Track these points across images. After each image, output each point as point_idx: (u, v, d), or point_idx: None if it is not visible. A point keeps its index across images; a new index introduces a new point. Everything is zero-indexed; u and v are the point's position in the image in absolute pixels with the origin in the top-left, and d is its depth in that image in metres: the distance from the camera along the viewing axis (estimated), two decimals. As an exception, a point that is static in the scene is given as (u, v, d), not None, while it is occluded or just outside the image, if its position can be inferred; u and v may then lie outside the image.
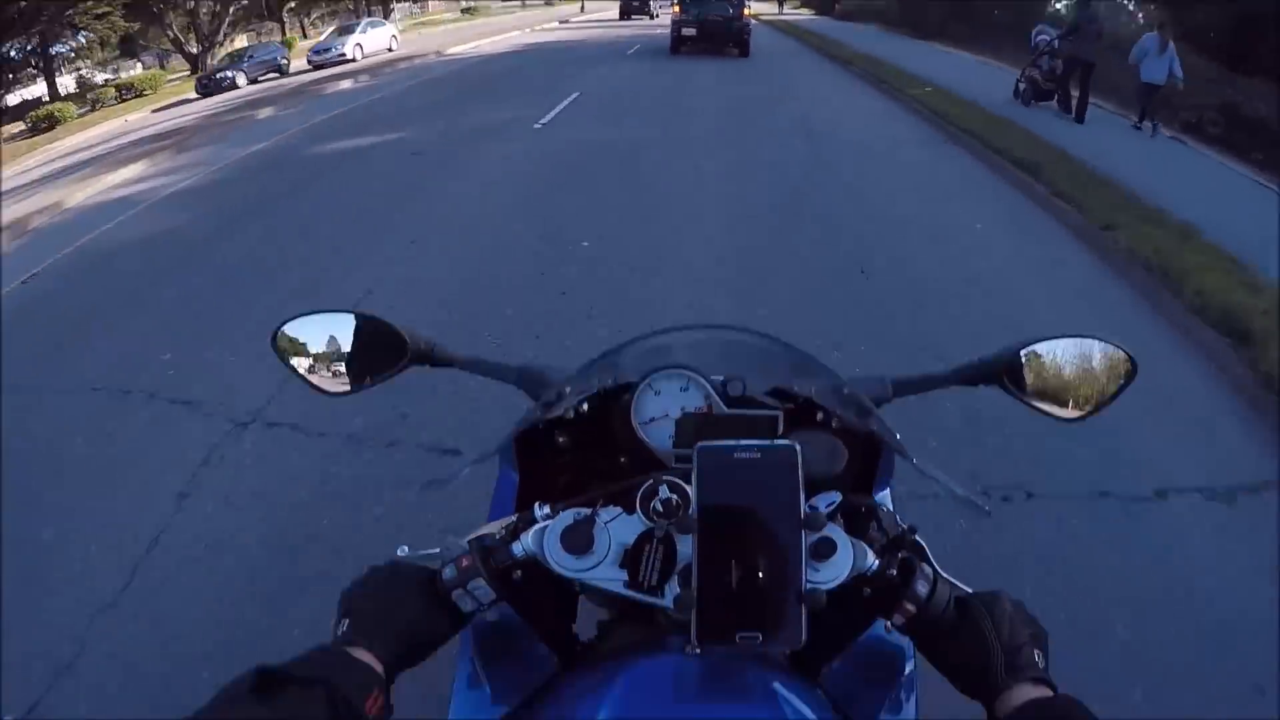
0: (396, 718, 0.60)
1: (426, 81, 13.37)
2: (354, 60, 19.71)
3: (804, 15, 30.82)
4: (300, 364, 0.90)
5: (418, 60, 17.38)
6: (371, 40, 21.24)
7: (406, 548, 0.71)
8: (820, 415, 0.82)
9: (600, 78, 12.04)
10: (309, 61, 20.12)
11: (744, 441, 0.65)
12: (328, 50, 20.17)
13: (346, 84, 14.58)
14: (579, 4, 39.22)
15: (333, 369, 0.91)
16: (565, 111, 9.24)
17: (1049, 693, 0.61)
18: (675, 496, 0.65)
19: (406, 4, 50.67)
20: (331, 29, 24.96)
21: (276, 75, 19.90)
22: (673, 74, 12.36)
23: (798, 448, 0.64)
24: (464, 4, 53.85)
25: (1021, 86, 9.38)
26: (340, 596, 0.67)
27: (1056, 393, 0.87)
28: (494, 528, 0.73)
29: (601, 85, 11.24)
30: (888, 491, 0.93)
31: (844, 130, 7.83)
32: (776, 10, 33.30)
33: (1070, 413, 0.87)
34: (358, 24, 22.52)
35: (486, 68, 14.65)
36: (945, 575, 0.68)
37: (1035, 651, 0.63)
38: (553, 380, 0.91)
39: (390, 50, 21.30)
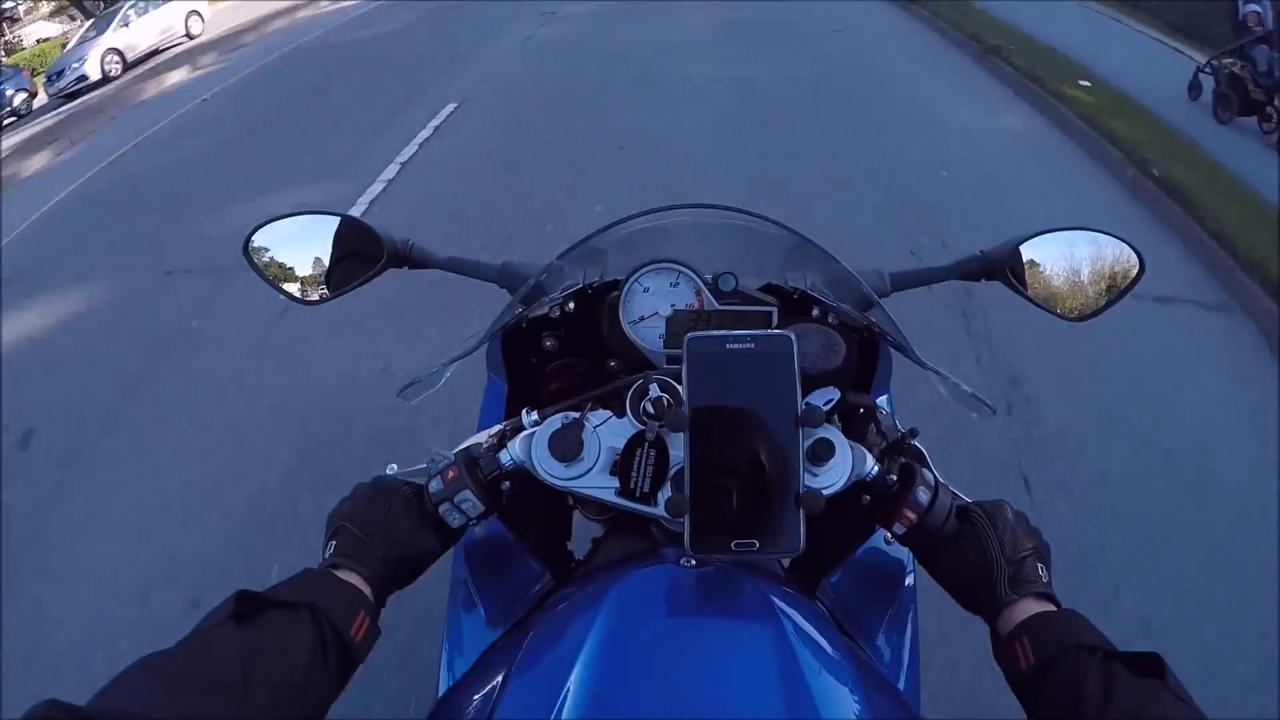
0: (386, 638, 0.58)
1: (205, 120, 7.35)
2: (112, 77, 12.20)
3: None
4: (273, 268, 0.88)
5: (228, 52, 11.16)
6: (146, 32, 13.22)
7: (395, 466, 0.69)
8: (816, 310, 0.80)
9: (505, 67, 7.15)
10: (47, 93, 12.80)
11: (737, 332, 0.62)
12: (61, 74, 12.52)
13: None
14: None
15: (307, 274, 0.88)
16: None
17: (1052, 608, 0.60)
18: (666, 396, 0.63)
19: None
20: (83, 27, 14.90)
21: (13, 118, 12.41)
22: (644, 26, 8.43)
23: (793, 338, 0.61)
24: None
25: (1212, 85, 5.53)
26: (327, 518, 0.65)
27: (1059, 288, 0.84)
28: (482, 437, 0.71)
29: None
30: (887, 395, 0.91)
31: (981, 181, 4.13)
32: None
33: (1073, 309, 0.85)
34: (116, 10, 13.36)
35: (325, 56, 9.06)
36: (946, 483, 0.66)
37: (1038, 565, 0.62)
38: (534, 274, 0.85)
39: (191, 36, 13.79)
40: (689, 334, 0.61)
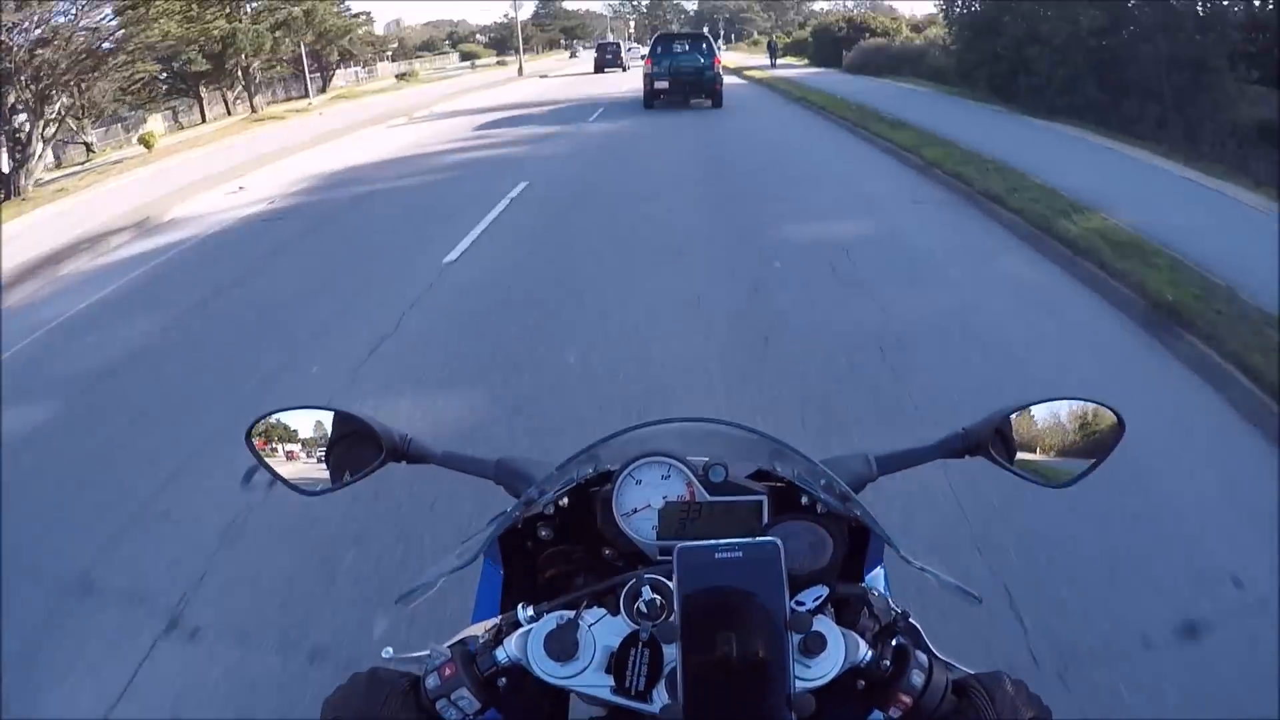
0: None
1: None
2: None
3: (805, 69, 27.04)
4: (275, 461, 0.92)
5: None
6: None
7: (391, 650, 0.71)
8: (805, 499, 0.82)
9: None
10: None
11: (725, 541, 0.65)
12: None
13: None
14: (516, 68, 37.36)
15: (308, 466, 0.92)
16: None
17: None
18: (659, 597, 0.64)
19: (354, 69, 49.10)
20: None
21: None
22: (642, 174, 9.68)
23: (780, 544, 0.64)
24: (400, 68, 49.94)
25: None
26: (322, 705, 0.66)
27: (1043, 457, 0.88)
28: (478, 629, 0.73)
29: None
30: (880, 570, 0.91)
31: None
32: (768, 63, 29.61)
33: (1058, 478, 0.88)
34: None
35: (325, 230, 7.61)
36: (942, 657, 0.67)
37: None
38: (529, 473, 0.93)
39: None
40: (679, 547, 0.64)
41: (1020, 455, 0.88)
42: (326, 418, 0.93)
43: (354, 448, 0.92)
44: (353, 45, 50.49)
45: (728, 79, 18.89)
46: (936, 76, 17.78)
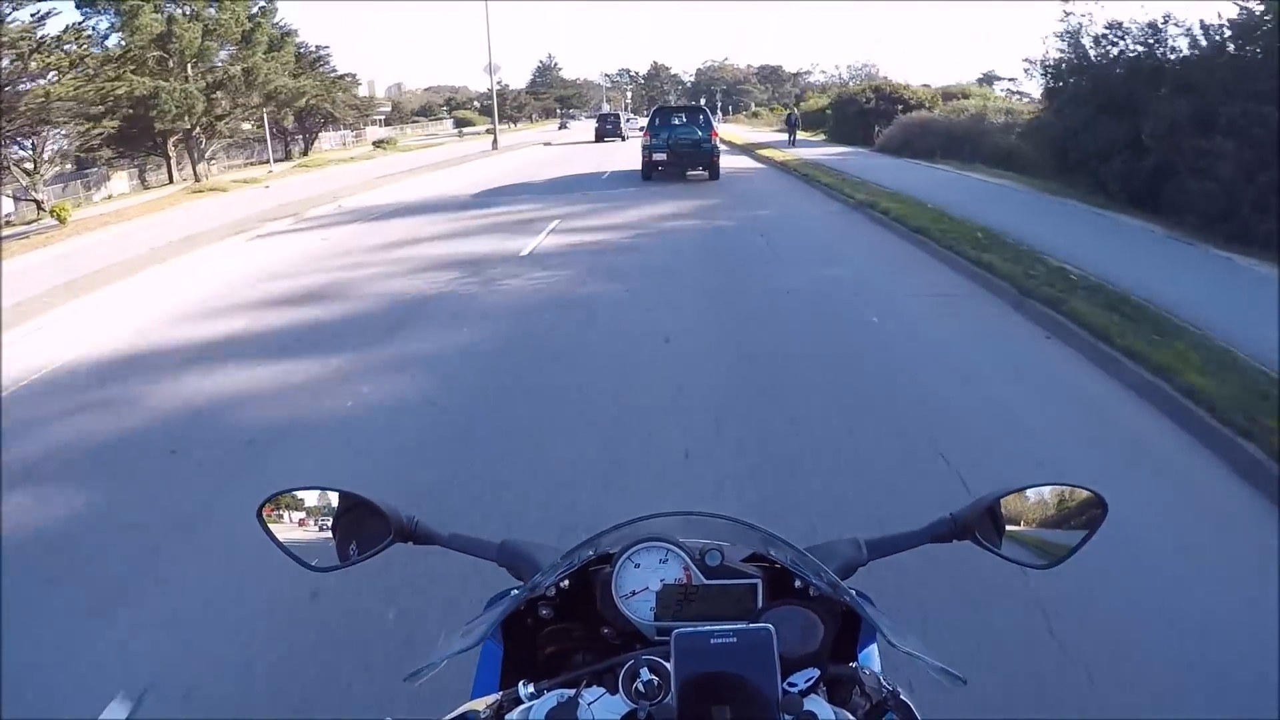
0: None
1: None
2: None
3: (829, 149, 22.42)
4: (285, 537, 0.93)
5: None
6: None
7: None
8: (798, 582, 0.85)
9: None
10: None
11: (720, 627, 0.68)
12: None
13: None
14: (491, 139, 33.92)
15: (316, 544, 0.93)
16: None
17: None
18: (656, 678, 0.65)
19: (342, 132, 48.22)
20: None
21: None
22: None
23: (772, 630, 0.67)
24: (391, 133, 46.43)
25: None
26: None
27: (1029, 541, 0.90)
28: (479, 704, 0.74)
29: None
30: (873, 648, 0.91)
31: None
32: (785, 140, 25.56)
33: (1043, 559, 0.90)
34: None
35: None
36: None
37: None
38: (532, 555, 0.95)
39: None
40: (676, 631, 0.67)
41: (1008, 538, 0.91)
42: (333, 496, 0.95)
43: (363, 527, 0.93)
44: (335, 108, 46.96)
45: (737, 160, 18.22)
46: (1003, 163, 13.79)
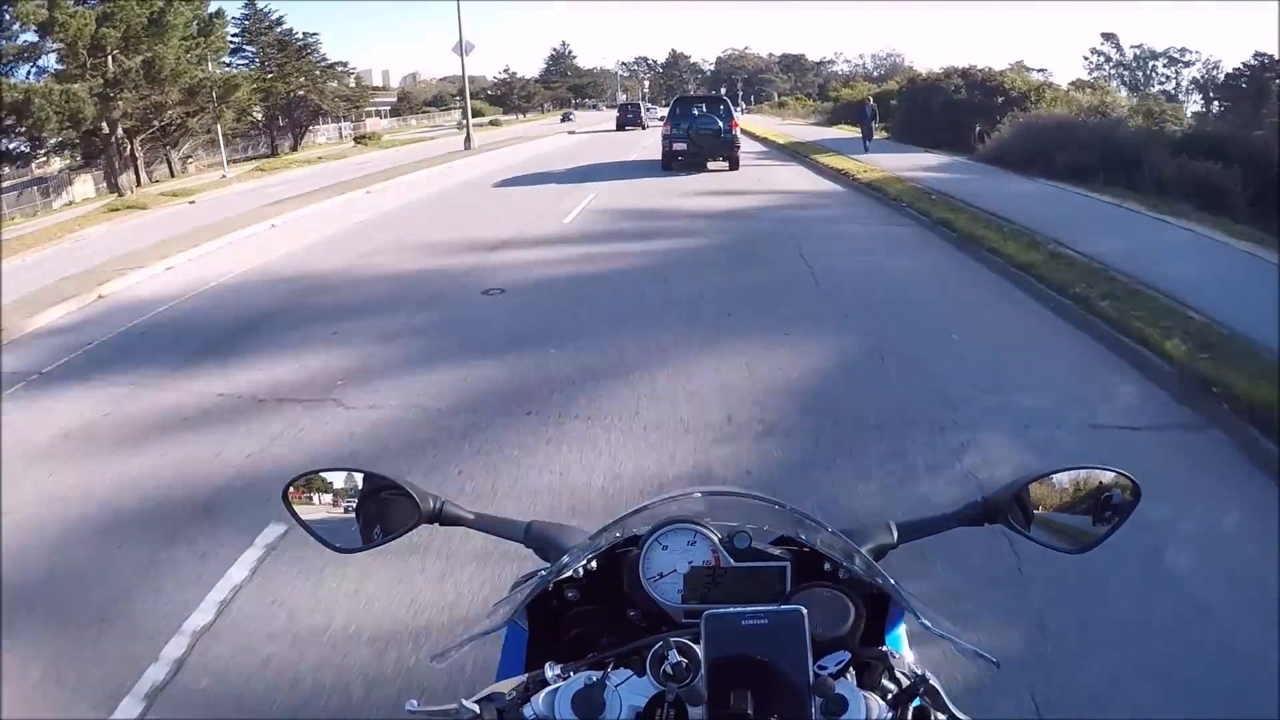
0: None
1: None
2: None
3: (918, 160, 16.23)
4: (310, 518, 0.94)
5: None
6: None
7: (415, 702, 0.70)
8: (827, 565, 0.84)
9: None
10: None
11: (750, 608, 0.68)
12: None
13: None
14: (462, 139, 28.39)
15: (342, 525, 0.94)
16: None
17: None
18: (685, 660, 0.65)
19: (340, 124, 46.29)
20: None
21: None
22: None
23: (804, 612, 0.67)
24: (359, 131, 41.72)
25: None
26: None
27: (1060, 524, 0.89)
28: (505, 687, 0.74)
29: None
30: (902, 630, 0.91)
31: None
32: (862, 144, 18.94)
33: (1074, 543, 0.89)
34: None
35: None
36: (962, 717, 0.67)
37: None
38: (558, 537, 0.97)
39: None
40: (706, 613, 0.68)
41: (1038, 522, 0.90)
42: (359, 478, 0.96)
43: (389, 509, 0.94)
44: (324, 100, 41.89)
45: (786, 173, 15.98)
46: (1214, 203, 8.69)
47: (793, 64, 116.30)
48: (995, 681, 1.89)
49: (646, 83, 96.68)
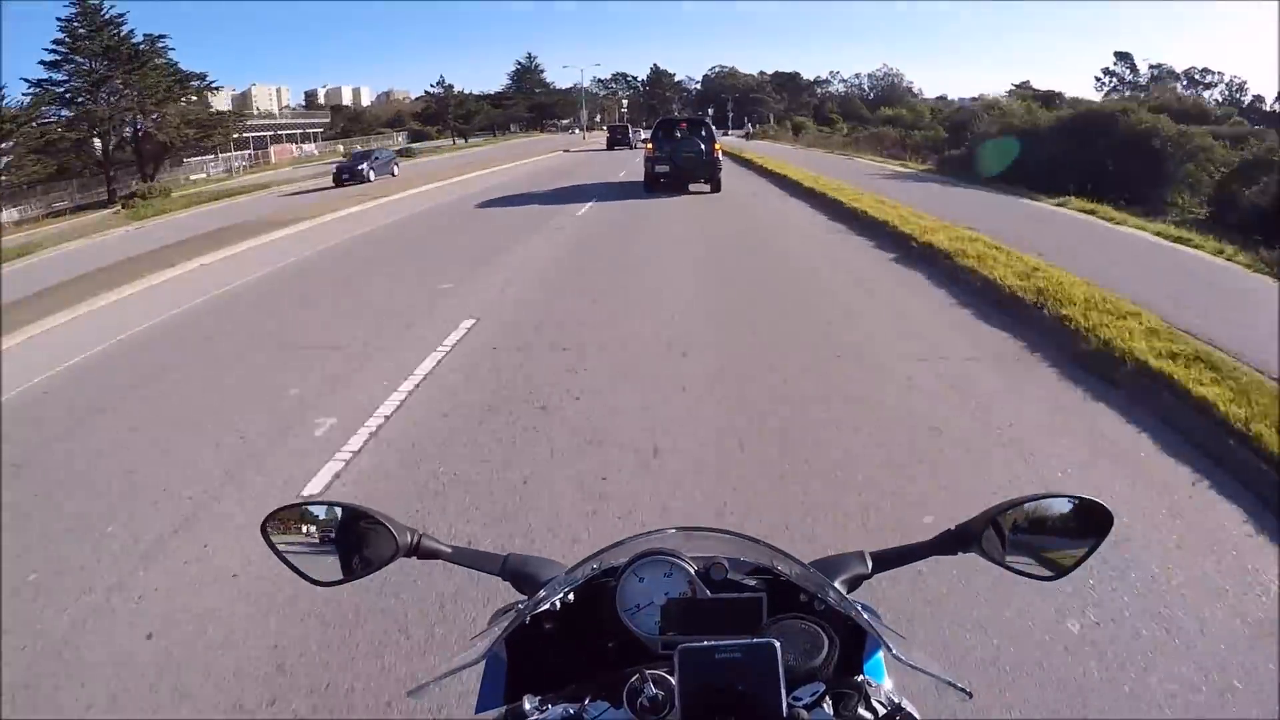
0: None
1: None
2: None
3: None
4: (289, 551, 0.97)
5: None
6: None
7: None
8: (803, 596, 0.89)
9: None
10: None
11: (724, 642, 0.70)
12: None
13: None
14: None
15: (320, 558, 0.97)
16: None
17: None
18: (661, 692, 0.68)
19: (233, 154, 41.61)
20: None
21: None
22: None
23: (777, 645, 0.69)
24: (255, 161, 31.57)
25: None
26: None
27: (1034, 552, 0.92)
28: (484, 719, 0.78)
29: None
30: (880, 657, 0.93)
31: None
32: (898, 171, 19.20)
33: (1048, 570, 0.93)
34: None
35: None
36: None
37: None
38: (536, 570, 1.01)
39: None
40: (680, 647, 0.69)
41: (1012, 549, 0.93)
42: (338, 511, 0.99)
43: (367, 541, 0.97)
44: (161, 128, 33.11)
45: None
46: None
47: (786, 83, 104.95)
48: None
49: (625, 102, 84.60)
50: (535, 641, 0.90)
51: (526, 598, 0.91)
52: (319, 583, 0.95)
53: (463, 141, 61.02)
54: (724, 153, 18.03)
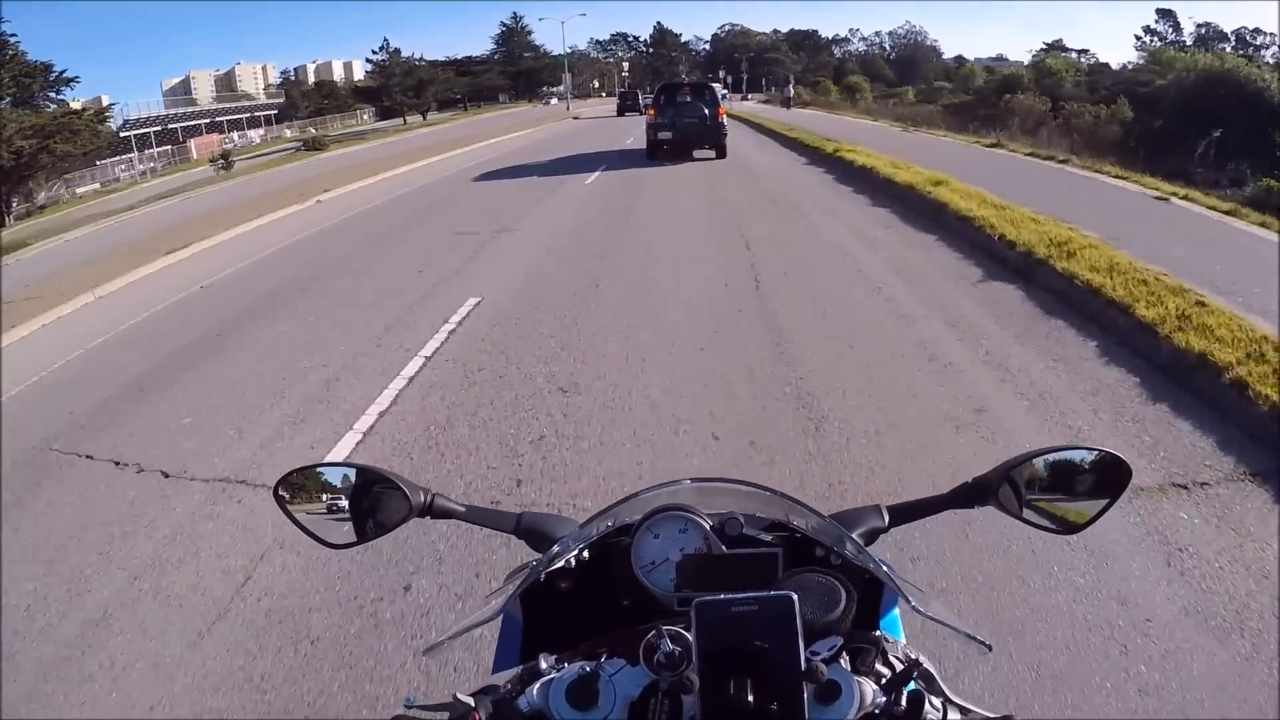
0: None
1: None
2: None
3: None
4: (302, 515, 0.98)
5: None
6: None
7: (412, 697, 0.72)
8: (819, 550, 0.89)
9: None
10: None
11: (741, 595, 0.69)
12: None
13: None
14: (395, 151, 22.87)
15: (334, 520, 0.97)
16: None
17: None
18: (678, 648, 0.67)
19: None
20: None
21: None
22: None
23: (795, 598, 0.68)
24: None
25: None
26: None
27: (1052, 505, 0.92)
28: (500, 679, 0.77)
29: None
30: (895, 615, 0.95)
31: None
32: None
33: (1066, 524, 0.92)
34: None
35: None
36: (956, 700, 0.71)
37: None
38: (550, 529, 1.02)
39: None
40: (696, 600, 0.69)
41: (1029, 503, 0.92)
42: (351, 473, 1.00)
43: (381, 503, 0.97)
44: None
45: None
46: None
47: (804, 41, 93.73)
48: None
49: (626, 65, 74.41)
50: (550, 599, 0.92)
51: (541, 555, 0.93)
52: (333, 545, 0.97)
53: (420, 119, 49.87)
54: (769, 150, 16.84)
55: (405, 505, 0.94)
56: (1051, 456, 0.89)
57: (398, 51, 53.65)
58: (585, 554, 0.87)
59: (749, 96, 57.91)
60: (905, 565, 2.29)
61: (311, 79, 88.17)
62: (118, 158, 38.19)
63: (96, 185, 32.83)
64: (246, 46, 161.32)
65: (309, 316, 6.07)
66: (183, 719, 1.98)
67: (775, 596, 0.67)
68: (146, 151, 38.89)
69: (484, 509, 1.01)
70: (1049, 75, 37.20)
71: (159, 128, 48.94)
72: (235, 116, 55.14)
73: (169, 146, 40.94)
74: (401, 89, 52.24)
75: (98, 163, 35.76)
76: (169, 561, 2.83)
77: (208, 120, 51.80)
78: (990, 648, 0.75)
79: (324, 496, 0.95)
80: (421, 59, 56.22)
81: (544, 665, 0.71)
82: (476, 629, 0.79)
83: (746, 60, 79.43)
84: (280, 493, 0.96)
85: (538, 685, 0.69)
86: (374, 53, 54.53)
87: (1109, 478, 0.88)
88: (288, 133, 49.70)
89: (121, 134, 46.33)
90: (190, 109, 51.69)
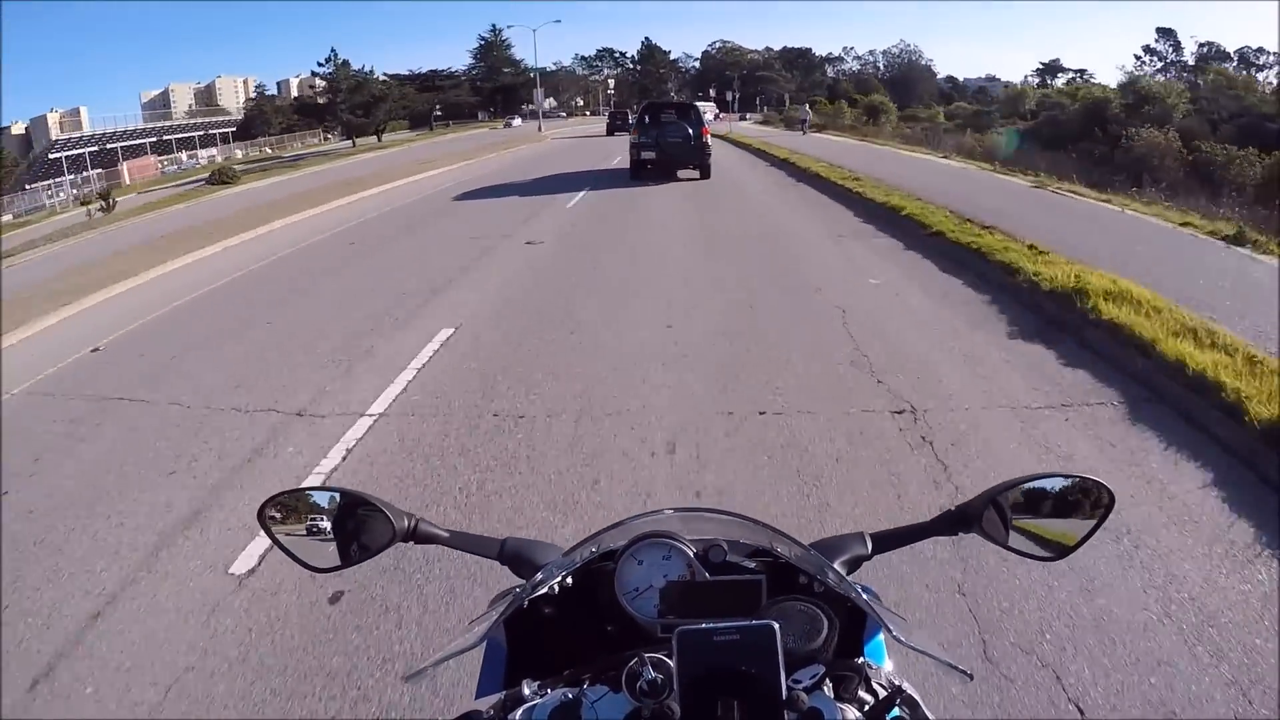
0: None
1: None
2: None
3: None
4: (286, 538, 0.99)
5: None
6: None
7: None
8: (802, 578, 0.92)
9: None
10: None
11: (722, 624, 0.71)
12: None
13: None
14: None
15: (318, 543, 0.98)
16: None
17: None
18: (660, 676, 0.69)
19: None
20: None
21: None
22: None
23: (776, 627, 0.71)
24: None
25: None
26: None
27: (1036, 532, 0.94)
28: (483, 704, 0.80)
29: None
30: (879, 642, 0.95)
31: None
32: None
33: (1050, 550, 0.94)
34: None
35: None
36: None
37: None
38: (534, 554, 1.04)
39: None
40: (678, 629, 0.71)
41: (1013, 529, 0.94)
42: (335, 497, 1.01)
43: (365, 527, 0.98)
44: None
45: None
46: None
47: (797, 59, 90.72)
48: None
49: (612, 83, 71.12)
50: (534, 625, 0.93)
51: (525, 581, 0.94)
52: (316, 569, 0.98)
53: (367, 143, 42.74)
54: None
55: (389, 530, 0.95)
56: (1034, 483, 0.92)
57: (346, 63, 46.72)
58: (569, 580, 0.89)
59: (746, 116, 55.13)
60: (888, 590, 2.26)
61: (294, 93, 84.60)
62: (48, 182, 34.19)
63: (9, 217, 28.72)
64: (231, 60, 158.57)
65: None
66: (183, 719, 2.07)
67: (757, 625, 0.69)
68: (84, 174, 35.09)
69: (468, 534, 1.03)
70: (1148, 100, 26.98)
71: (95, 148, 45.83)
72: (187, 135, 50.99)
73: (100, 170, 37.15)
74: (349, 106, 45.10)
75: (27, 187, 31.55)
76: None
77: (154, 139, 47.97)
78: (971, 676, 0.78)
79: (308, 519, 0.97)
80: (372, 71, 48.81)
81: (527, 692, 0.73)
82: (459, 655, 0.82)
83: (739, 78, 76.69)
84: (265, 515, 0.98)
85: (520, 711, 0.71)
86: (320, 64, 47.19)
87: (1091, 502, 0.91)
88: (239, 153, 45.56)
89: (50, 155, 42.30)
90: (122, 128, 48.26)
